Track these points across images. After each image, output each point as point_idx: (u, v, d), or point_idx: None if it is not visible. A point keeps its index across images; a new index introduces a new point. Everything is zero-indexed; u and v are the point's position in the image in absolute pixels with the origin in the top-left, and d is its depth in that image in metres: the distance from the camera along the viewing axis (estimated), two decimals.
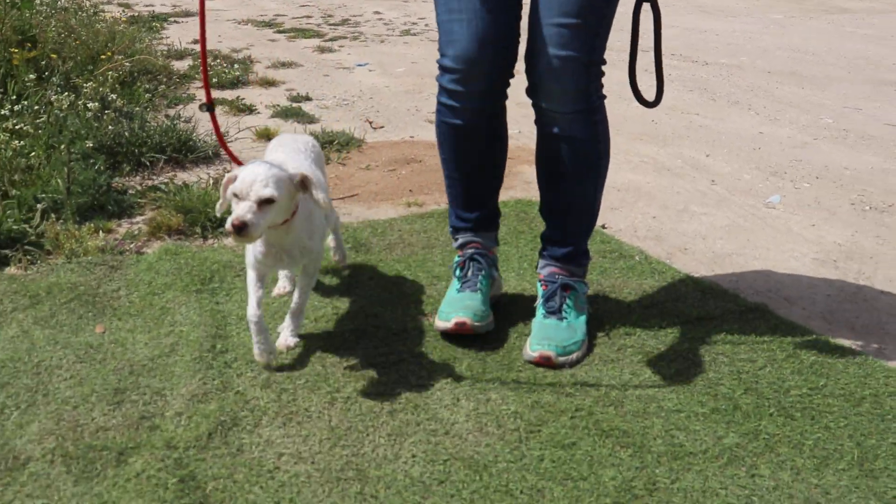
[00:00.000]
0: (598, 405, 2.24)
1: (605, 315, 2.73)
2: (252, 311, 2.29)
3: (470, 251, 2.71)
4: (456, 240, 2.78)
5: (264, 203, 2.05)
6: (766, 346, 2.56)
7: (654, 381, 2.36)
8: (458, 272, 2.68)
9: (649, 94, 2.63)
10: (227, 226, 2.02)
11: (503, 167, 2.75)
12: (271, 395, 2.23)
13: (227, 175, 2.13)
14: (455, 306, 2.55)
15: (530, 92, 2.48)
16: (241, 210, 2.03)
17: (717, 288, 2.98)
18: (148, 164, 3.99)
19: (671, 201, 3.93)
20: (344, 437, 2.08)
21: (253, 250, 2.30)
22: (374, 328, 2.60)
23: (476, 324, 2.51)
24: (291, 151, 2.49)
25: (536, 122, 2.55)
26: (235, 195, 2.05)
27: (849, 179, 4.32)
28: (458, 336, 2.53)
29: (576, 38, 2.33)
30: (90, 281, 2.83)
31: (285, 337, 2.38)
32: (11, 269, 2.91)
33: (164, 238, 3.25)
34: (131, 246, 3.12)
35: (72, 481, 1.90)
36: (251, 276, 2.34)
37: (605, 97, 2.52)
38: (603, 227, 3.54)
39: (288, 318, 2.41)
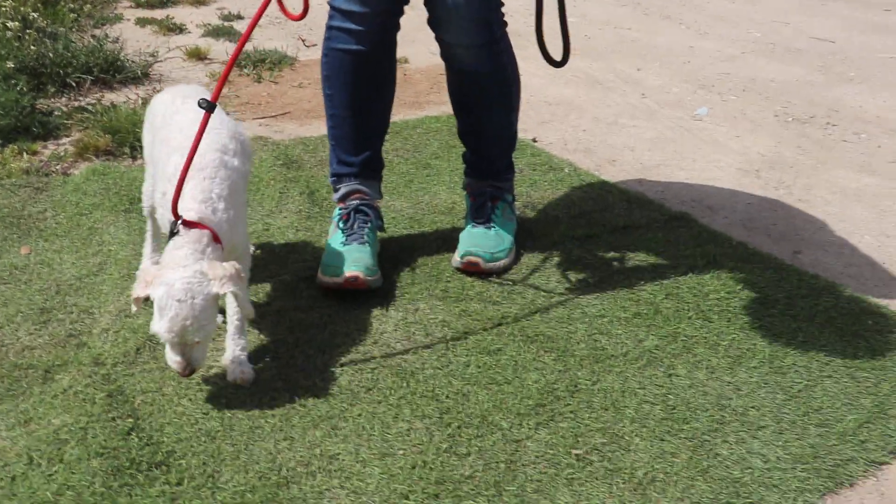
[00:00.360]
0: (525, 312, 2.30)
1: (533, 225, 2.77)
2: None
3: (355, 202, 2.52)
4: (337, 189, 2.58)
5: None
6: (688, 254, 2.63)
7: (580, 288, 2.42)
8: (341, 224, 2.47)
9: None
10: (173, 366, 1.84)
11: (392, 104, 2.63)
12: None
13: (142, 274, 1.86)
14: (343, 260, 2.35)
15: (432, 24, 2.44)
16: (179, 362, 1.83)
17: (643, 198, 3.04)
18: (74, 84, 3.90)
19: (602, 114, 3.97)
20: (273, 349, 2.12)
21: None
22: (304, 243, 2.61)
23: (369, 279, 2.33)
24: (203, 179, 1.94)
25: (442, 55, 2.52)
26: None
27: (774, 92, 4.39)
28: (347, 292, 2.34)
29: None
30: (14, 203, 2.79)
31: (240, 366, 2.01)
32: None
33: (91, 159, 3.20)
34: (57, 167, 3.07)
35: None
36: None
37: (506, 24, 2.50)
38: (534, 140, 3.57)
39: (236, 339, 2.03)
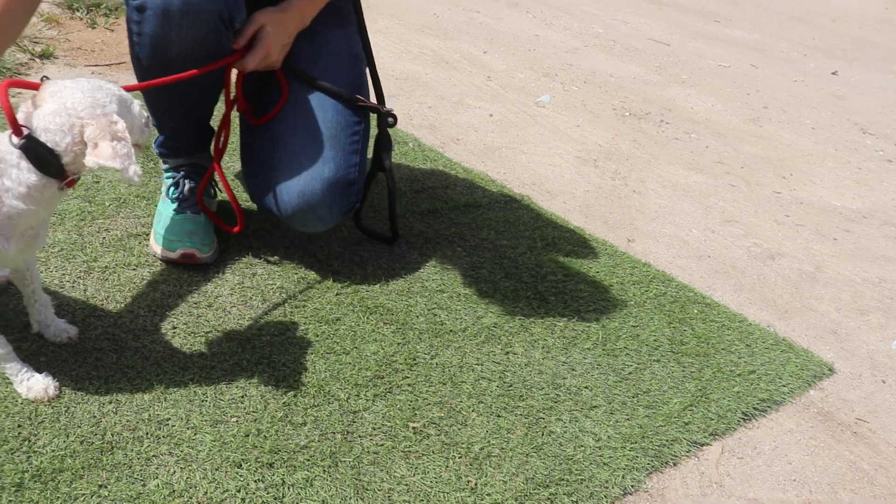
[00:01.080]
0: (365, 284, 2.27)
1: (372, 197, 2.75)
2: (5, 348, 1.73)
3: (184, 169, 2.37)
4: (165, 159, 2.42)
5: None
6: (527, 235, 2.68)
7: (420, 263, 2.42)
8: (173, 192, 2.33)
9: None
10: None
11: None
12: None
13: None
14: (177, 232, 2.23)
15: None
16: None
17: (485, 178, 3.07)
18: None
19: (448, 93, 3.98)
20: (101, 308, 2.00)
21: None
22: (137, 198, 2.49)
23: (204, 255, 2.23)
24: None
25: None
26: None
27: (613, 86, 4.53)
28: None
29: None
30: None
31: (59, 326, 1.88)
32: None
33: None
34: None
35: None
36: None
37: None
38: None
39: (47, 315, 1.87)
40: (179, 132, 2.31)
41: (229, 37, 2.07)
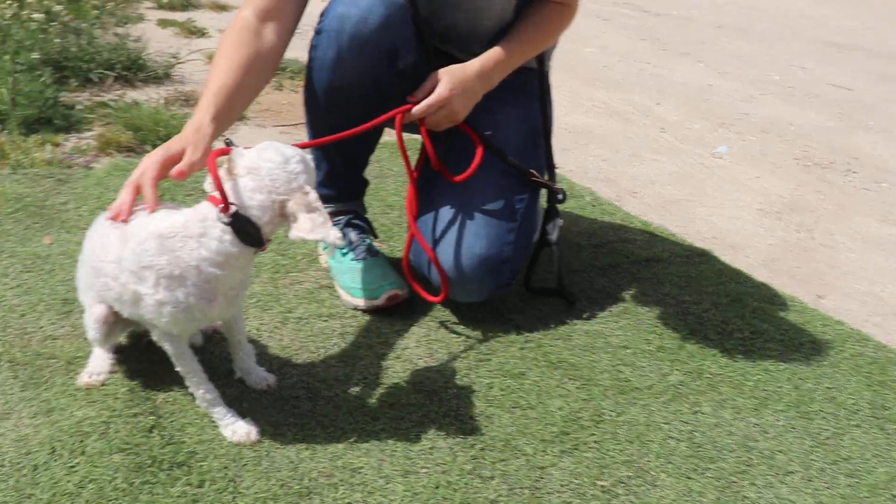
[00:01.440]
0: (547, 338, 2.28)
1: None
2: (211, 393, 1.83)
3: (342, 218, 2.46)
4: None
5: None
6: (711, 290, 2.62)
7: (603, 318, 2.41)
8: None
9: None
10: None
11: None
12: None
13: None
14: (374, 280, 2.31)
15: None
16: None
17: (664, 232, 3.03)
18: (96, 80, 3.88)
19: (622, 146, 3.97)
20: (295, 357, 2.09)
21: (189, 308, 1.71)
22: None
23: (404, 291, 2.31)
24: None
25: None
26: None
27: (793, 135, 4.40)
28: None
29: None
30: (37, 193, 2.76)
31: (259, 373, 1.98)
32: None
33: (112, 154, 3.18)
34: (80, 160, 3.05)
35: (19, 386, 1.87)
36: (181, 348, 1.80)
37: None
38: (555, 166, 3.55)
39: (250, 364, 1.97)
40: (336, 177, 2.42)
41: (390, 76, 2.15)
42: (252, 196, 1.66)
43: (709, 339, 2.36)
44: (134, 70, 4.02)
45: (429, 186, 2.29)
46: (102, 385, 1.91)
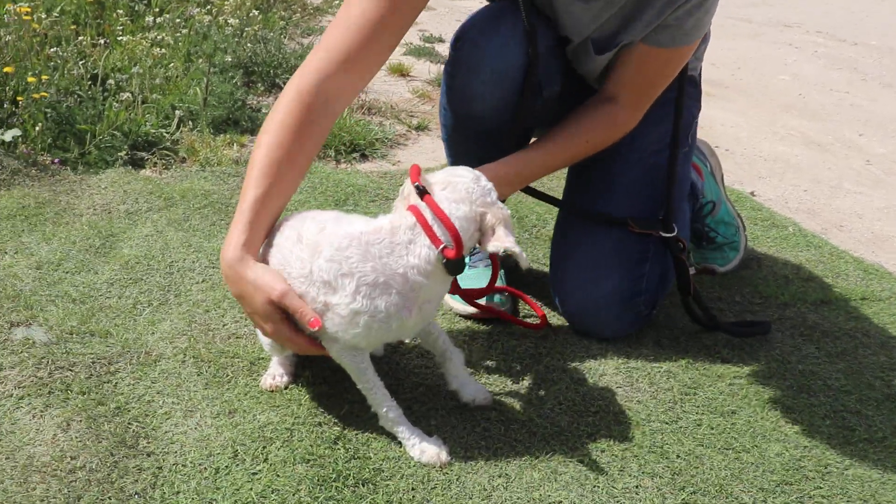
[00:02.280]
0: (757, 375, 2.06)
1: (760, 282, 2.53)
2: (394, 411, 1.70)
3: None
4: None
5: None
6: None
7: (818, 358, 2.16)
8: None
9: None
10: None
11: None
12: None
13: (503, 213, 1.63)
14: (475, 283, 2.21)
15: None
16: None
17: (880, 269, 2.75)
18: (282, 85, 3.89)
19: (823, 176, 3.68)
20: (485, 377, 1.95)
21: (395, 325, 1.63)
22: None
23: (505, 307, 2.20)
24: None
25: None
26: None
27: None
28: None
29: None
30: (223, 190, 2.74)
31: (476, 386, 1.86)
32: (147, 172, 2.85)
33: None
34: None
35: (203, 384, 1.81)
36: (364, 363, 1.70)
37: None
38: (752, 193, 3.32)
39: (460, 372, 1.83)
40: None
41: (538, 99, 2.05)
42: (457, 207, 1.60)
43: None
44: None
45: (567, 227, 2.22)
46: (286, 388, 1.83)
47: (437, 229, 1.59)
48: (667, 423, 1.85)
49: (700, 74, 2.31)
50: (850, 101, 4.99)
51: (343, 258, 1.58)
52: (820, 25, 7.13)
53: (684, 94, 2.18)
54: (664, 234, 2.11)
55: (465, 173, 1.66)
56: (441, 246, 1.58)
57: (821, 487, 1.70)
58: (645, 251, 2.13)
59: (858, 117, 4.66)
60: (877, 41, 6.71)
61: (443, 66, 2.19)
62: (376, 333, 1.63)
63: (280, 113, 1.74)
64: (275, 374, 1.85)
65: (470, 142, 2.17)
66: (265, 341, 1.80)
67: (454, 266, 1.59)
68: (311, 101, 1.73)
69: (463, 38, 2.03)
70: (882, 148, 4.18)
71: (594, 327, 2.13)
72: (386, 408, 1.69)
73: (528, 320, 2.19)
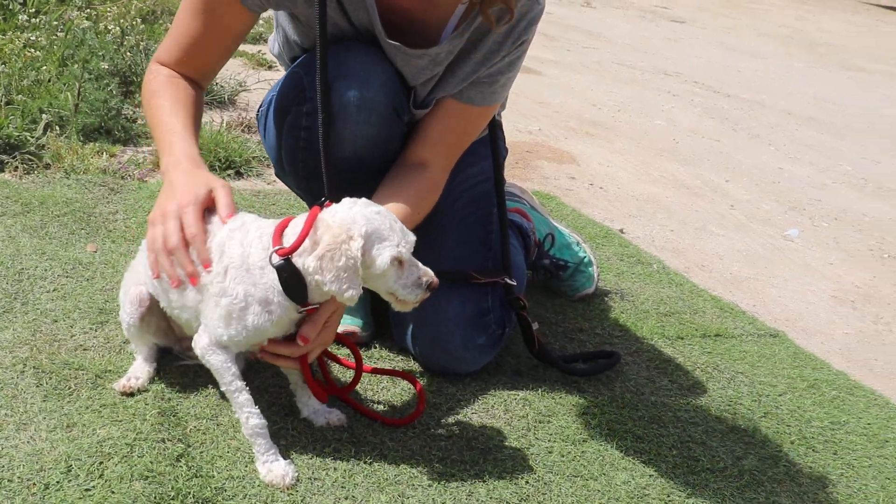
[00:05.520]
0: (611, 406, 2.10)
1: (621, 316, 2.59)
2: (258, 419, 1.66)
3: None
4: None
5: None
6: (786, 374, 2.43)
7: (670, 390, 2.22)
8: None
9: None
10: (420, 293, 1.61)
11: None
12: None
13: (342, 236, 1.54)
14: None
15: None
16: (426, 269, 1.62)
17: (735, 308, 2.85)
18: None
19: (689, 218, 3.81)
20: (338, 399, 1.93)
21: (253, 322, 1.62)
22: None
23: (364, 333, 2.17)
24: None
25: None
26: (398, 260, 1.59)
27: (868, 226, 4.21)
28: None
29: None
30: (87, 199, 2.65)
31: (327, 411, 1.84)
32: (6, 175, 2.73)
33: None
34: (134, 173, 2.95)
35: (41, 396, 1.73)
36: (228, 362, 1.66)
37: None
38: (621, 231, 3.40)
39: (312, 400, 1.83)
40: None
41: (402, 127, 2.01)
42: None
43: (785, 423, 2.16)
44: None
45: None
46: (139, 391, 1.77)
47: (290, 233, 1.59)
48: (518, 450, 1.86)
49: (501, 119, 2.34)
50: (720, 148, 5.19)
51: (229, 240, 1.61)
52: (697, 76, 7.42)
53: (497, 136, 2.23)
54: (509, 281, 2.11)
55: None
56: (277, 246, 1.57)
57: None
58: (485, 269, 2.13)
59: (726, 164, 4.85)
60: (748, 95, 7.02)
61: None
62: (236, 325, 1.60)
63: (150, 84, 1.89)
64: (131, 375, 1.80)
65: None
66: (127, 322, 1.78)
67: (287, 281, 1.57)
68: (167, 75, 1.90)
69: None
70: (746, 194, 4.36)
71: (449, 362, 2.08)
72: (248, 414, 1.65)
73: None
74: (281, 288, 1.58)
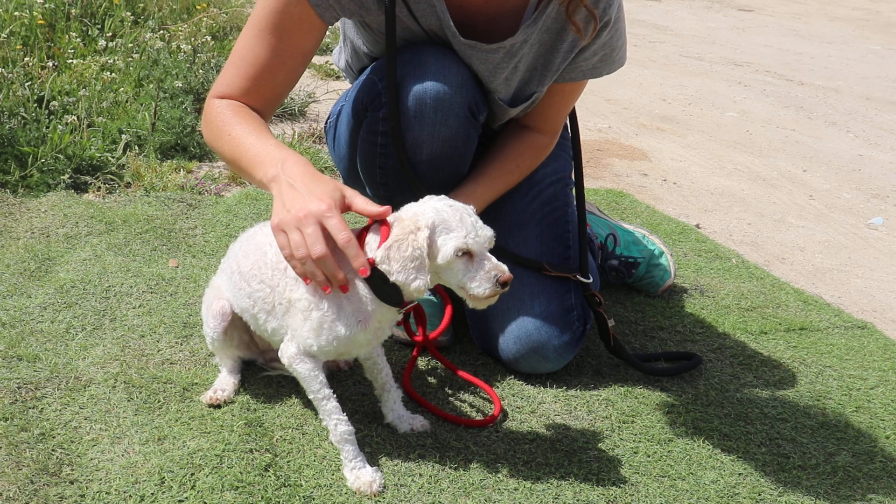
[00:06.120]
0: (696, 404, 2.07)
1: (702, 312, 2.55)
2: (346, 425, 1.68)
3: None
4: None
5: None
6: (876, 366, 2.36)
7: (756, 387, 2.18)
8: None
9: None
10: (490, 288, 1.56)
11: None
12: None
13: (410, 227, 1.55)
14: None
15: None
16: (498, 263, 1.58)
17: (819, 301, 2.78)
18: None
19: (767, 210, 3.73)
20: (430, 402, 1.94)
21: (345, 332, 1.63)
22: None
23: (443, 339, 2.17)
24: None
25: None
26: (465, 251, 1.56)
27: None
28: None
29: None
30: (167, 216, 2.71)
31: (411, 416, 1.86)
32: (90, 196, 2.81)
33: (244, 184, 3.13)
34: (211, 188, 3.00)
35: (132, 410, 1.77)
36: (316, 370, 1.68)
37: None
38: (697, 226, 3.35)
39: (397, 405, 1.85)
40: None
41: (478, 128, 2.02)
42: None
43: (879, 418, 2.10)
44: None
45: None
46: (226, 403, 1.80)
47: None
48: (603, 451, 1.84)
49: None
50: (795, 138, 5.08)
51: None
52: (768, 65, 7.27)
53: (576, 133, 2.24)
54: (581, 279, 2.11)
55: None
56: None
57: None
58: (567, 269, 2.13)
59: (803, 154, 4.74)
60: (822, 82, 6.85)
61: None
62: (327, 335, 1.62)
63: (215, 120, 1.81)
64: (217, 388, 1.83)
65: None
66: (210, 337, 1.82)
67: (378, 286, 1.59)
68: (230, 105, 1.83)
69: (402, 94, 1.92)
70: (826, 184, 4.25)
71: (535, 361, 2.08)
72: (336, 421, 1.67)
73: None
74: (374, 296, 1.60)
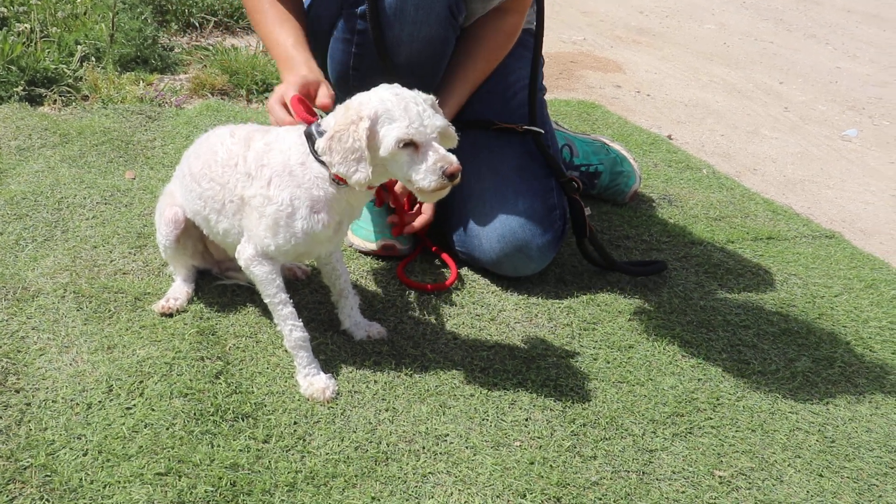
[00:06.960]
0: (658, 311, 2.05)
1: (669, 221, 2.52)
2: (301, 331, 1.65)
3: None
4: None
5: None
6: (842, 274, 2.35)
7: (720, 294, 2.16)
8: None
9: None
10: (436, 180, 1.48)
11: None
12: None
13: (352, 117, 1.49)
14: (377, 225, 2.14)
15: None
16: (445, 154, 1.50)
17: (788, 211, 2.76)
18: (197, 24, 3.77)
19: (741, 122, 3.68)
20: (381, 311, 1.91)
21: (302, 227, 1.58)
22: None
23: (404, 248, 2.14)
24: None
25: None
26: (409, 142, 1.49)
27: None
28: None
29: None
30: (125, 128, 2.64)
31: (375, 329, 1.83)
32: (44, 108, 2.73)
33: (206, 96, 3.05)
34: (172, 99, 2.93)
35: (82, 319, 1.74)
36: (273, 273, 1.64)
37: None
38: (669, 137, 3.31)
39: (354, 312, 1.82)
40: None
41: (456, 30, 1.97)
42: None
43: (840, 325, 2.09)
44: (235, 17, 3.90)
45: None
46: (178, 312, 1.77)
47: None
48: (562, 358, 1.83)
49: None
50: (773, 50, 5.01)
51: (267, 151, 1.60)
52: None
53: (542, 29, 2.15)
54: (529, 128, 2.07)
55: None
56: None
57: (711, 418, 1.70)
58: (544, 166, 2.10)
59: (780, 66, 4.68)
60: None
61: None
62: (284, 233, 1.58)
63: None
64: (170, 297, 1.80)
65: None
66: (163, 244, 1.78)
67: None
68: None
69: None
70: (801, 96, 4.20)
71: (518, 260, 2.03)
72: (291, 327, 1.64)
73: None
74: (331, 179, 1.55)
